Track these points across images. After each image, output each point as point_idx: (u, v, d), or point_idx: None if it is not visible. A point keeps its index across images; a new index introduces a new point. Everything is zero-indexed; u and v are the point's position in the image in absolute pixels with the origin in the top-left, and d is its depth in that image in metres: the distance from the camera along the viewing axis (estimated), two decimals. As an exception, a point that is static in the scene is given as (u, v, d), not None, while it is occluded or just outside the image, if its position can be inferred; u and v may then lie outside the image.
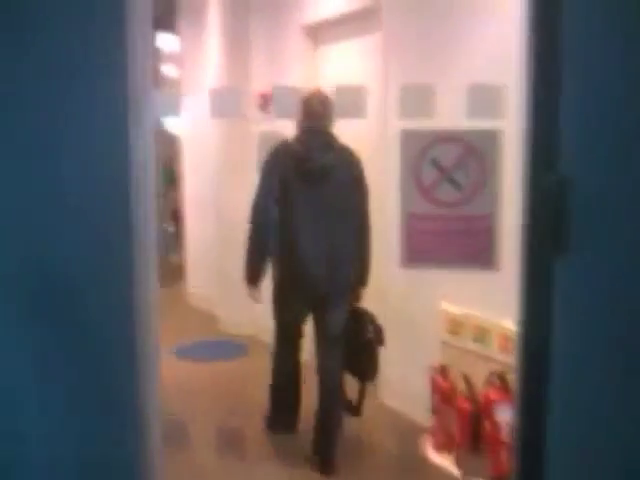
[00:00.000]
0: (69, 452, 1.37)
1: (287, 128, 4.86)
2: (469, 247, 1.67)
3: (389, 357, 3.96)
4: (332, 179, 3.18)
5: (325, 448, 3.31)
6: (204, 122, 6.05)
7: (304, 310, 3.31)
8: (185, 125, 6.70)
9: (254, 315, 5.33)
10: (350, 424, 3.73)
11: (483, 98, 1.63)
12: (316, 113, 3.25)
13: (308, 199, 3.17)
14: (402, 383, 3.91)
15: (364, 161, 3.34)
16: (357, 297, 3.34)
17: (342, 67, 4.49)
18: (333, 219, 3.19)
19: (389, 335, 3.89)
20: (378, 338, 3.29)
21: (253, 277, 3.29)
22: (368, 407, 3.99)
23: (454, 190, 1.73)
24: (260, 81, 5.21)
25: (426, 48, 3.63)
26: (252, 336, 5.38)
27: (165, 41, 7.53)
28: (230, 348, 5.20)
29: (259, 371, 4.59)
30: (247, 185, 5.36)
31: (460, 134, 1.77)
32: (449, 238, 1.69)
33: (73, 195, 1.30)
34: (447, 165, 1.74)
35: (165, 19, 7.10)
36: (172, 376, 4.54)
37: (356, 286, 3.32)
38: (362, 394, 3.37)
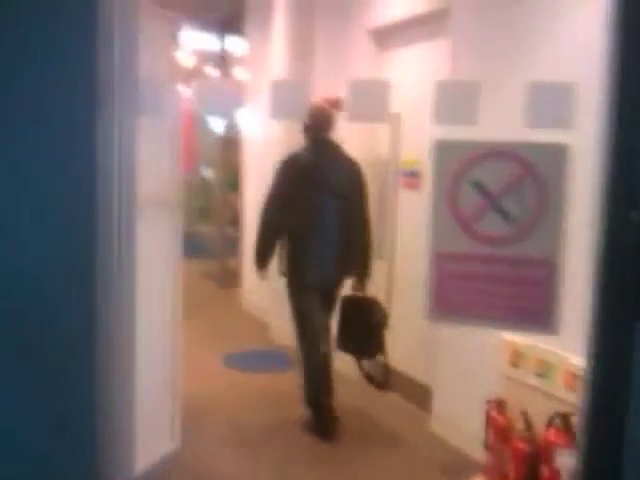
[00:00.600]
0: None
1: (347, 134, 4.66)
2: (520, 301, 1.20)
3: (444, 386, 3.67)
4: (338, 186, 3.59)
5: (327, 403, 3.68)
6: (266, 125, 5.92)
7: (316, 295, 3.65)
8: (249, 128, 6.56)
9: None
10: (396, 453, 3.49)
11: (547, 101, 1.16)
12: (323, 125, 3.64)
13: (317, 204, 3.57)
14: (457, 415, 3.60)
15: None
16: (362, 287, 3.73)
17: (408, 72, 4.21)
18: (338, 221, 3.59)
19: (446, 364, 3.60)
20: (384, 322, 3.69)
21: (262, 264, 3.78)
22: (418, 436, 3.73)
23: (503, 223, 1.26)
24: (324, 86, 4.99)
25: (496, 53, 3.31)
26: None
27: (234, 44, 7.44)
28: (280, 360, 4.98)
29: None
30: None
31: (514, 148, 1.26)
32: (494, 287, 1.21)
33: (34, 193, 1.15)
34: (495, 189, 1.27)
35: (234, 22, 7.00)
36: (217, 386, 4.38)
37: (361, 277, 3.71)
38: (387, 369, 3.77)
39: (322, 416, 3.67)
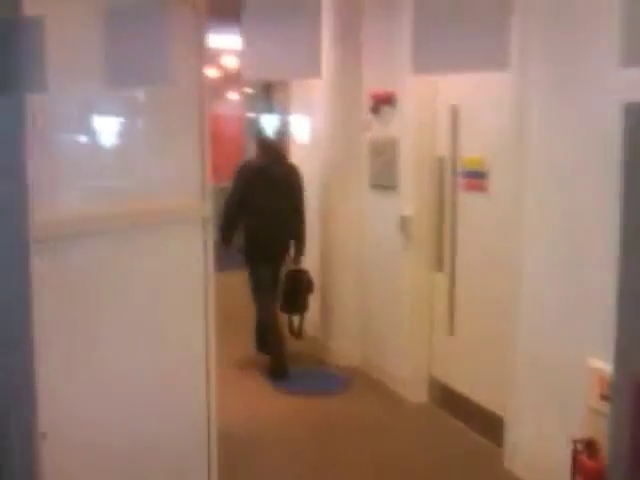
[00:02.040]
0: None
1: (401, 131, 4.18)
2: None
3: (520, 419, 3.13)
4: (281, 184, 4.60)
5: (279, 358, 4.57)
6: (313, 129, 5.50)
7: (267, 268, 4.66)
8: (297, 132, 6.15)
9: (359, 345, 4.67)
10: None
11: None
12: (268, 139, 5.00)
13: (266, 197, 4.53)
14: (537, 453, 3.04)
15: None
16: (298, 262, 4.74)
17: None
18: (281, 210, 4.58)
19: (522, 393, 3.09)
20: (309, 287, 4.76)
21: (227, 242, 4.61)
22: (490, 471, 3.21)
23: None
24: (374, 80, 4.54)
25: (572, 27, 2.78)
26: (356, 368, 4.68)
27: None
28: (330, 381, 4.50)
29: (358, 414, 3.93)
30: (356, 201, 4.74)
31: None
32: None
33: None
34: None
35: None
36: (264, 415, 3.91)
37: (297, 255, 4.72)
38: (301, 323, 4.82)
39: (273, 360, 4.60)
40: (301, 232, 4.70)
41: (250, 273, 4.71)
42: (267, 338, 4.67)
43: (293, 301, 4.71)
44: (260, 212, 4.54)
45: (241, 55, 0.92)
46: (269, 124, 7.25)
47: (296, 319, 4.81)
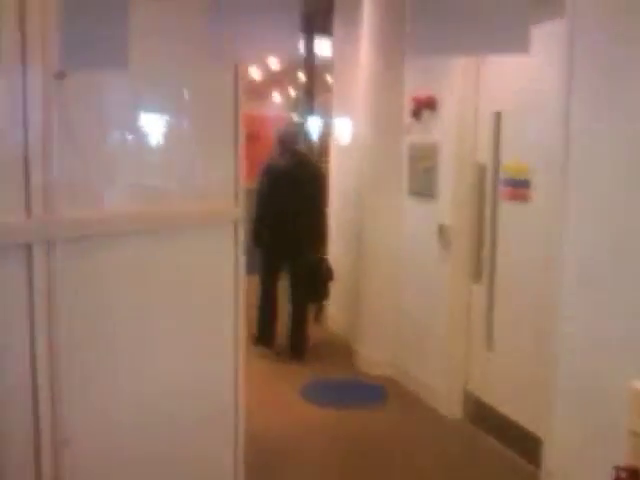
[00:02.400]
0: None
1: (442, 136, 4.08)
2: None
3: (558, 439, 3.00)
4: (301, 182, 4.84)
5: (299, 344, 4.99)
6: (355, 133, 5.44)
7: (282, 259, 5.00)
8: (339, 135, 6.09)
9: (393, 354, 4.59)
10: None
11: None
12: (288, 141, 4.98)
13: (287, 195, 4.83)
14: (576, 477, 2.91)
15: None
16: (317, 252, 4.99)
17: (511, 63, 3.56)
18: (302, 206, 4.81)
19: (561, 412, 2.96)
20: (330, 275, 5.01)
21: (258, 241, 4.95)
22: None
23: None
24: (416, 84, 4.46)
25: (629, 38, 2.64)
26: (389, 378, 4.59)
27: (323, 46, 7.00)
28: (364, 393, 4.37)
29: (391, 428, 3.84)
30: (394, 207, 4.65)
31: None
32: None
33: None
34: None
35: (322, 21, 6.52)
36: (292, 428, 3.80)
37: (316, 247, 4.98)
38: (320, 309, 5.39)
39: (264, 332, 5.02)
40: (322, 231, 4.96)
41: (262, 262, 4.99)
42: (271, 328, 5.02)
43: (314, 289, 4.94)
44: (283, 212, 4.80)
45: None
46: (307, 126, 7.21)
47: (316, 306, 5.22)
